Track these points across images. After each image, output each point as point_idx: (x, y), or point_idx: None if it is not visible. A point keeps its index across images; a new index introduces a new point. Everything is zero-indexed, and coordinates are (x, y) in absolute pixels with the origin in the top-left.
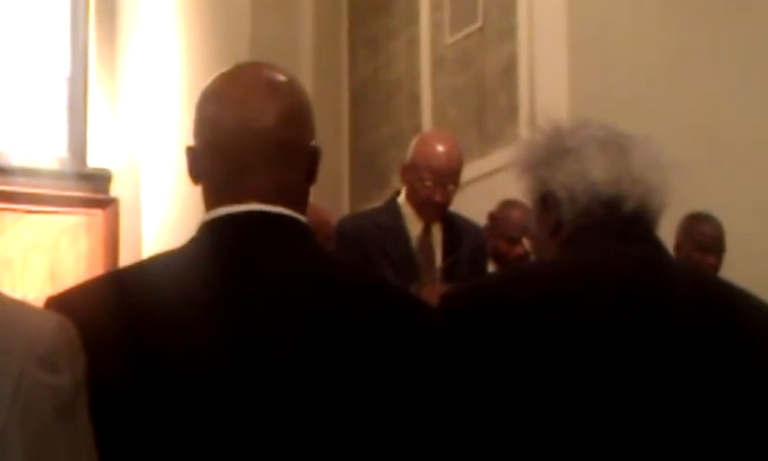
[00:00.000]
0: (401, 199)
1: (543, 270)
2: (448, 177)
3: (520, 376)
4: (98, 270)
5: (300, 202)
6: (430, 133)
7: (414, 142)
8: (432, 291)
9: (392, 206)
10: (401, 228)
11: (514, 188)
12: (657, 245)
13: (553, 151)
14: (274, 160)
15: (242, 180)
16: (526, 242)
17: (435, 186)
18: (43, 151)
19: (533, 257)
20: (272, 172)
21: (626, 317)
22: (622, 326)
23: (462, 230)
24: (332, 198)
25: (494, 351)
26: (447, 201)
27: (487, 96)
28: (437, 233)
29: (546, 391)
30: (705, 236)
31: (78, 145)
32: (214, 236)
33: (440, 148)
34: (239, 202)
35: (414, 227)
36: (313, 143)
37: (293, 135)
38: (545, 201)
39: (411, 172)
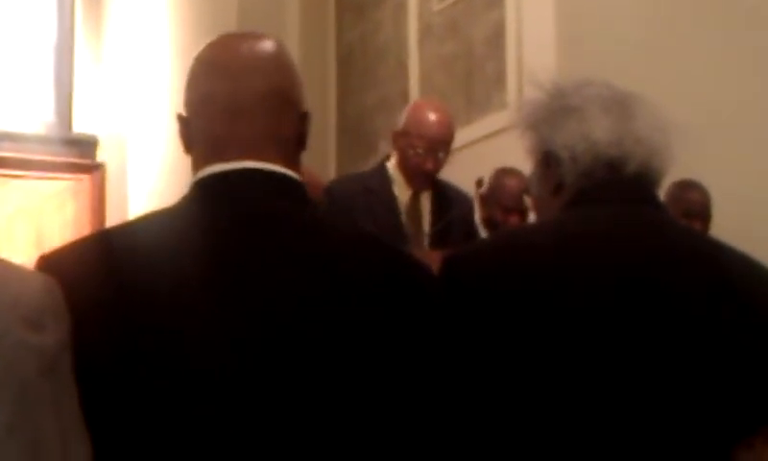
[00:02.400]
0: (391, 164)
1: (544, 233)
2: (440, 145)
3: (521, 339)
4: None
5: (292, 160)
6: (423, 101)
7: (406, 109)
8: (429, 256)
9: (381, 170)
10: (390, 193)
11: (502, 154)
12: (659, 206)
13: (556, 110)
14: (262, 107)
15: (231, 129)
16: (528, 200)
17: (426, 154)
18: (30, 116)
19: (533, 217)
20: (261, 119)
21: (627, 281)
22: (623, 289)
23: (451, 198)
24: (319, 163)
25: (495, 314)
26: (438, 169)
27: (474, 63)
28: (426, 200)
29: (547, 354)
30: (692, 203)
31: (64, 110)
32: (205, 196)
33: (432, 116)
34: (228, 158)
35: (403, 193)
36: (303, 108)
37: (284, 85)
38: (547, 160)
39: (403, 139)
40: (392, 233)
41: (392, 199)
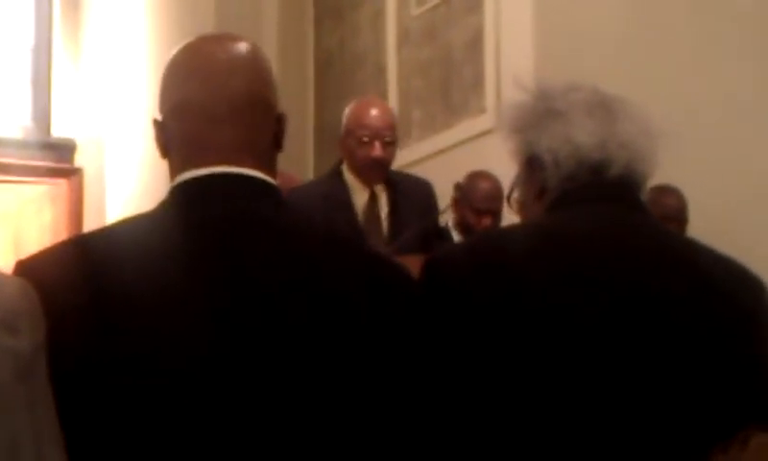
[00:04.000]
0: (345, 169)
1: (526, 235)
2: (383, 130)
3: (503, 340)
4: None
5: (269, 165)
6: (357, 100)
7: (344, 113)
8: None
9: (336, 176)
10: (347, 197)
11: (480, 159)
12: (642, 210)
13: (540, 113)
14: (241, 117)
15: (209, 136)
16: (513, 203)
17: (371, 141)
18: (7, 120)
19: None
20: (240, 127)
21: (608, 282)
22: (604, 291)
23: (407, 189)
24: (297, 168)
25: (477, 316)
26: (387, 157)
27: (452, 68)
28: (382, 198)
29: (529, 356)
30: (668, 208)
31: (42, 115)
32: (182, 201)
33: (369, 108)
34: (206, 164)
35: (359, 196)
36: (278, 110)
37: (258, 91)
38: (531, 164)
39: (347, 139)
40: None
41: (348, 203)
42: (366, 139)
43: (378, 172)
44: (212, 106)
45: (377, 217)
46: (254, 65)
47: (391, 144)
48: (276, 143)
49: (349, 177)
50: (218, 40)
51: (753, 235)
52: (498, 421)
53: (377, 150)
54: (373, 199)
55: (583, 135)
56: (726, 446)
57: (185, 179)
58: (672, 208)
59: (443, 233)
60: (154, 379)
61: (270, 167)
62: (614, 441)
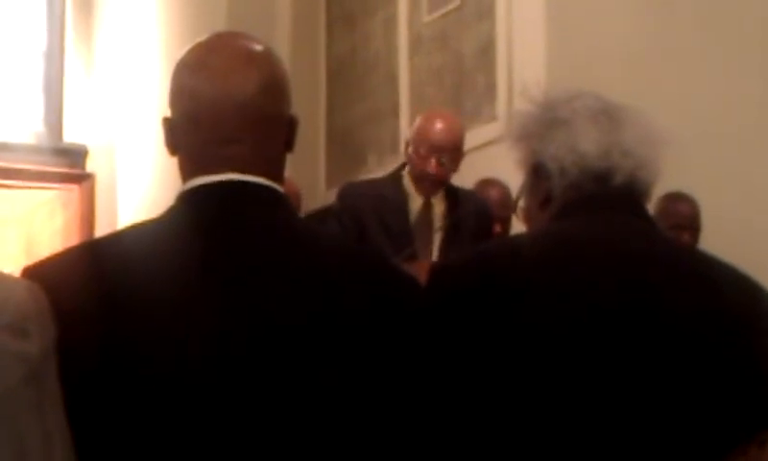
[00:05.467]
0: (405, 172)
1: (531, 244)
2: (442, 149)
3: (506, 349)
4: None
5: (277, 172)
6: (433, 110)
7: (416, 119)
8: (421, 266)
9: (396, 178)
10: (403, 201)
11: (491, 166)
12: (646, 219)
13: (545, 122)
14: (253, 131)
15: (221, 150)
16: (519, 210)
17: (428, 156)
18: (19, 125)
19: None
20: (251, 142)
21: (614, 292)
22: (610, 300)
23: (463, 201)
24: (308, 174)
25: (481, 325)
26: (441, 174)
27: (464, 75)
28: (438, 208)
29: (532, 365)
30: (681, 215)
31: (54, 120)
32: (191, 207)
33: (435, 122)
34: (217, 172)
35: (415, 202)
36: (290, 113)
37: (272, 106)
38: (536, 172)
39: (409, 146)
40: (401, 242)
41: (403, 207)
42: (423, 153)
43: (433, 187)
44: (220, 110)
45: (430, 226)
46: (268, 72)
47: (450, 162)
48: (287, 146)
49: (408, 182)
50: (231, 41)
51: (766, 243)
52: (501, 428)
53: (432, 167)
54: (428, 207)
55: (587, 144)
56: (745, 448)
57: (195, 185)
58: (685, 216)
59: None
60: (162, 384)
61: (278, 173)
62: (622, 447)
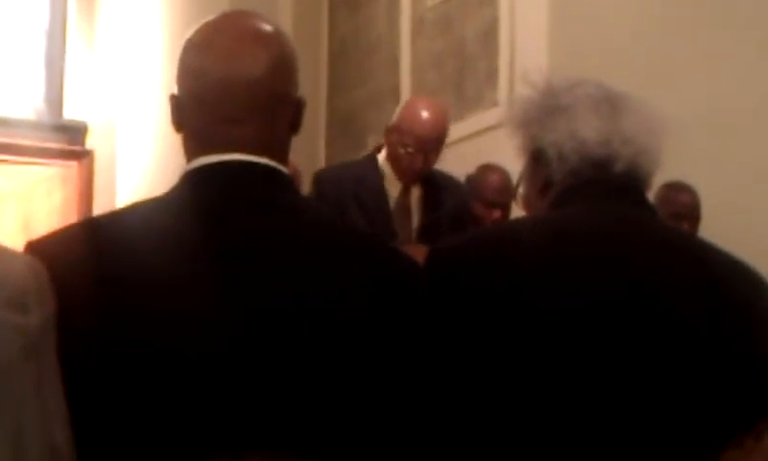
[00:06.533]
0: (381, 156)
1: (530, 229)
2: (431, 144)
3: (505, 334)
4: (72, 222)
5: (283, 154)
6: (418, 98)
7: (401, 105)
8: (416, 250)
9: (372, 162)
10: (380, 186)
11: (492, 152)
12: (646, 206)
13: (546, 108)
14: (260, 112)
15: (227, 129)
16: (518, 197)
17: (416, 153)
18: (20, 101)
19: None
20: (257, 123)
21: (611, 280)
22: (609, 286)
23: (442, 188)
24: (309, 156)
25: (479, 309)
26: (428, 167)
27: (466, 60)
28: (416, 193)
29: (530, 350)
30: (681, 205)
31: (55, 97)
32: (195, 187)
33: (425, 114)
34: (223, 151)
35: (393, 186)
36: (297, 94)
37: (279, 87)
38: (536, 158)
39: (394, 134)
40: (380, 226)
41: (381, 191)
42: (411, 149)
43: (414, 178)
44: (232, 101)
45: (408, 209)
46: (277, 52)
47: (435, 155)
48: (292, 128)
49: (385, 165)
50: (240, 20)
51: (766, 234)
52: (498, 415)
53: (418, 163)
54: (406, 191)
55: (587, 131)
56: (740, 440)
57: (199, 165)
58: (685, 206)
59: None
60: (160, 363)
61: (284, 155)
62: (618, 438)
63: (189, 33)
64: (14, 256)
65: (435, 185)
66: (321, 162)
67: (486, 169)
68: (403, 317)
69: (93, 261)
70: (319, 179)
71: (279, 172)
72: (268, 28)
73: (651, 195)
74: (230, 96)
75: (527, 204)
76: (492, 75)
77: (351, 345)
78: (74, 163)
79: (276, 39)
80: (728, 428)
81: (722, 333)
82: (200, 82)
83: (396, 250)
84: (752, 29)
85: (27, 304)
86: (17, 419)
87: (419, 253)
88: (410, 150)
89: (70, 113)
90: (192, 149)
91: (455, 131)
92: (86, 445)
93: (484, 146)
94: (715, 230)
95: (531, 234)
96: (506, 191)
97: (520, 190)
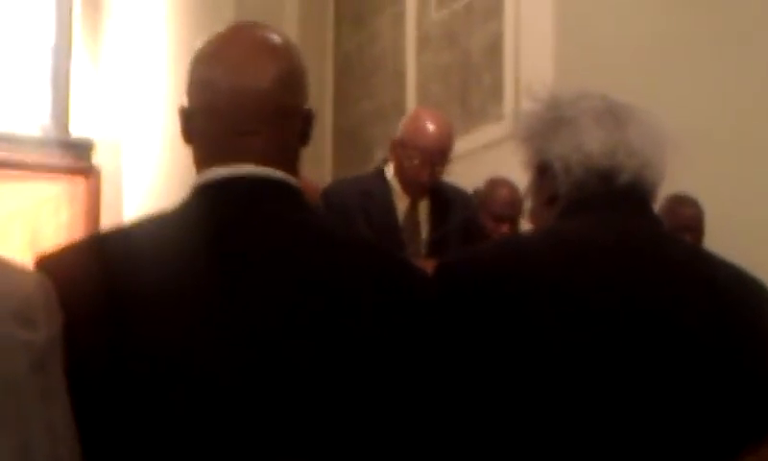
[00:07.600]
0: (389, 171)
1: (539, 242)
2: (436, 157)
3: (514, 347)
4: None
5: (293, 165)
6: (422, 111)
7: (405, 118)
8: (425, 264)
9: (379, 176)
10: (389, 200)
11: (497, 165)
12: (651, 218)
13: (551, 121)
14: (270, 124)
15: (237, 140)
16: (525, 211)
17: (422, 166)
18: (26, 118)
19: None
20: (267, 134)
21: (621, 291)
22: (617, 299)
23: (451, 201)
24: (315, 171)
25: (488, 322)
26: (434, 180)
27: (471, 74)
28: (424, 207)
29: (539, 363)
30: (685, 218)
31: (61, 113)
32: (205, 200)
33: (430, 127)
34: (233, 162)
35: (401, 201)
36: (307, 106)
37: (289, 99)
38: (542, 171)
39: (399, 148)
40: (389, 240)
41: (390, 206)
42: (416, 162)
43: (423, 192)
44: (242, 113)
45: (417, 223)
46: (287, 65)
47: (441, 168)
48: (302, 140)
49: (392, 179)
50: (250, 33)
51: None
52: (507, 428)
53: (424, 176)
54: (414, 205)
55: (592, 143)
56: (755, 448)
57: (209, 179)
58: (689, 219)
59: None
60: (167, 379)
61: (294, 165)
62: (629, 451)
63: (199, 44)
64: (22, 272)
65: (443, 199)
66: (327, 176)
67: (495, 183)
68: (414, 329)
69: (100, 276)
70: (327, 193)
71: (289, 184)
72: (277, 39)
73: (655, 208)
74: (240, 107)
75: (533, 217)
76: (497, 89)
77: (363, 357)
78: (81, 180)
79: (285, 51)
80: (737, 441)
81: (728, 345)
82: (209, 93)
83: (406, 262)
84: (758, 44)
85: (35, 320)
86: (24, 433)
87: (428, 267)
88: (415, 162)
89: (76, 130)
90: (202, 160)
91: (461, 145)
92: (93, 459)
93: (490, 160)
94: (719, 243)
95: (540, 248)
96: (515, 205)
97: (527, 203)
